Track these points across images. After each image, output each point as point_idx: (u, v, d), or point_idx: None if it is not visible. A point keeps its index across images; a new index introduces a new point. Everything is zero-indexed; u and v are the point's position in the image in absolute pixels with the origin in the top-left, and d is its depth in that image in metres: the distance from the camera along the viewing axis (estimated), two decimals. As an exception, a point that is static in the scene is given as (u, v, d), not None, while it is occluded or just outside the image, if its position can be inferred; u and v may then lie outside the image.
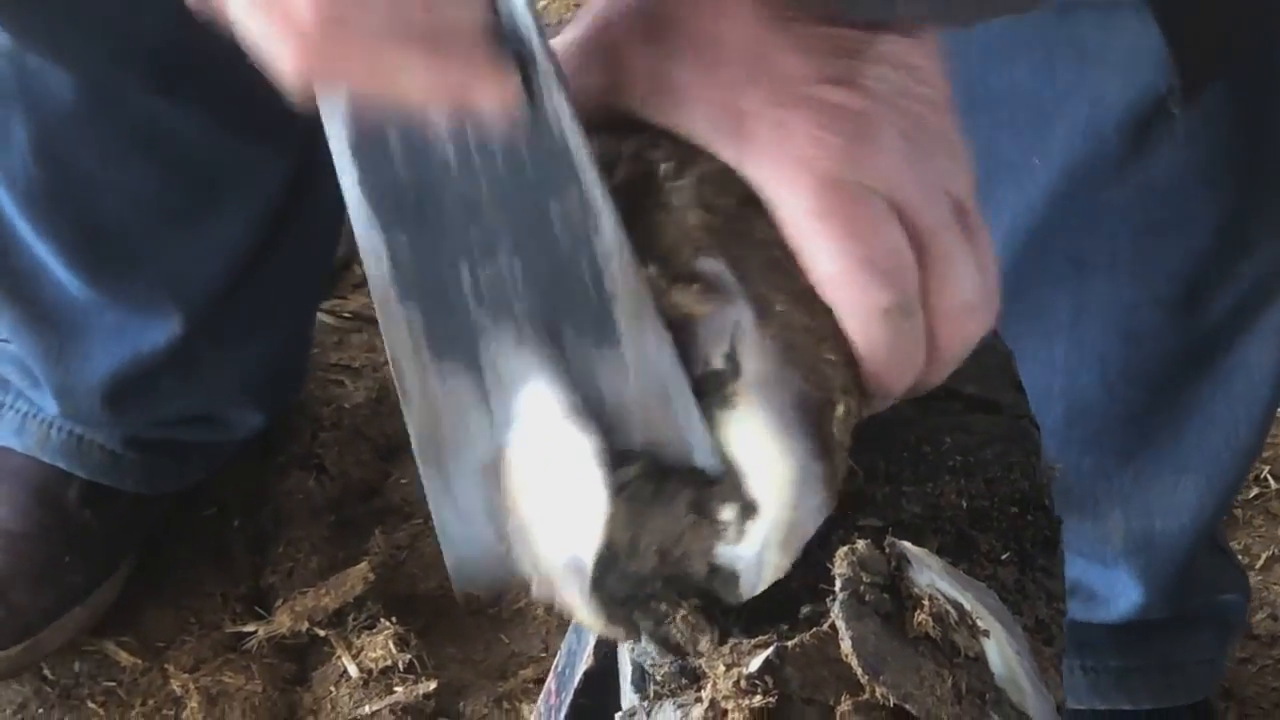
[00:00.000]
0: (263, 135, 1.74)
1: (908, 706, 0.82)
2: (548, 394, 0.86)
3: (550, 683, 1.15)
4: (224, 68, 1.72)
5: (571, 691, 1.10)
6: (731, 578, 0.89)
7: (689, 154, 0.89)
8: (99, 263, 1.78)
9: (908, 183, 0.88)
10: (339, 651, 1.92)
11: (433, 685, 1.89)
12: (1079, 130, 1.38)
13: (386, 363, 2.34)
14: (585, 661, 1.08)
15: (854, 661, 0.84)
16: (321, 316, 2.18)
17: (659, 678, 0.93)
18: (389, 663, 1.89)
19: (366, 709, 1.88)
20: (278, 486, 2.07)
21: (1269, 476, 2.06)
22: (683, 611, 0.89)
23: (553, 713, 1.13)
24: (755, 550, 0.89)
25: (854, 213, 0.87)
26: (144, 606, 1.98)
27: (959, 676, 0.85)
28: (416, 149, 0.85)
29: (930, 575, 0.89)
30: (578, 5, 2.58)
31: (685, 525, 0.88)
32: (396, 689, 1.89)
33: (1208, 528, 1.64)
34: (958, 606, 0.88)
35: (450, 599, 1.99)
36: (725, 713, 0.84)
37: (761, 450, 0.88)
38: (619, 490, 0.87)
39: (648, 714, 0.91)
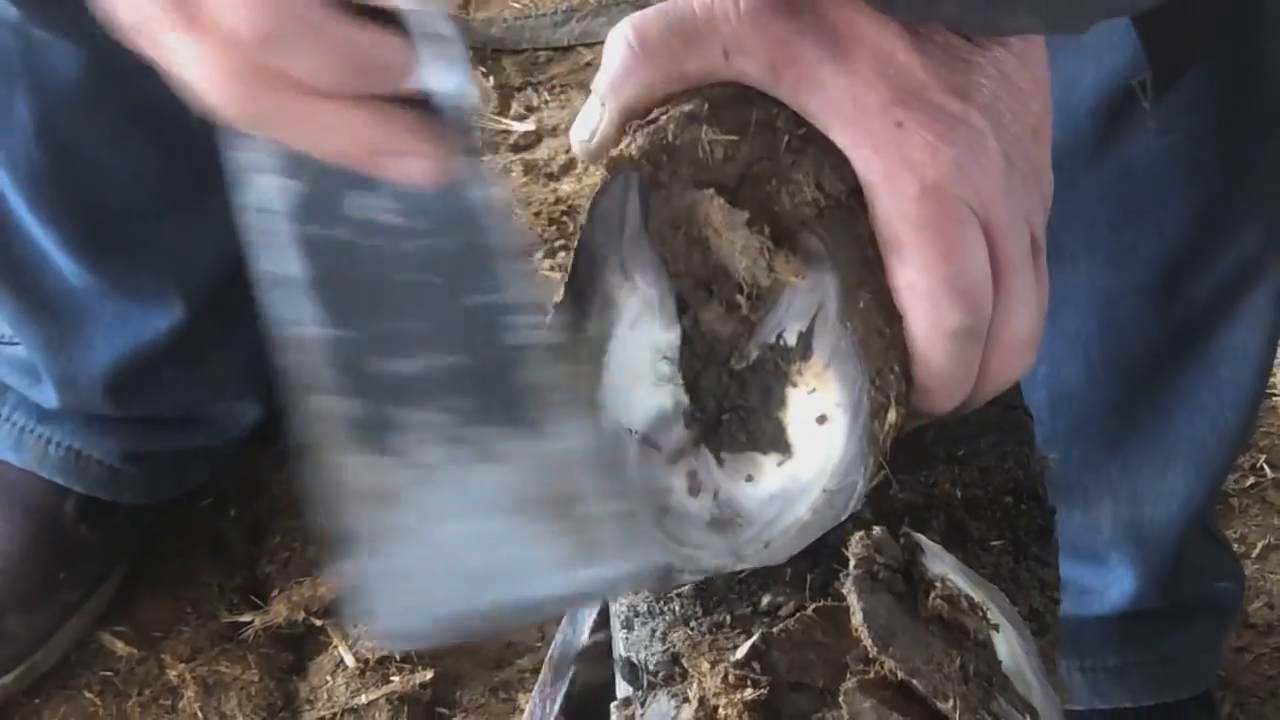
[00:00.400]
0: None
1: (914, 682, 0.82)
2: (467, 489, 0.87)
3: (544, 673, 1.15)
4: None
5: (566, 681, 1.10)
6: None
7: (810, 132, 0.90)
8: (101, 249, 1.77)
9: (1001, 208, 0.89)
10: (335, 641, 1.92)
11: (429, 675, 1.89)
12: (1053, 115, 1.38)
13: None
14: (579, 651, 1.08)
15: (864, 634, 0.84)
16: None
17: (650, 668, 0.93)
18: (385, 652, 1.89)
19: (363, 698, 1.88)
20: (274, 476, 2.07)
21: (1265, 465, 2.06)
22: None
23: (547, 702, 1.13)
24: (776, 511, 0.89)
25: (950, 230, 0.87)
26: (140, 596, 1.98)
27: (967, 658, 0.85)
28: (342, 216, 0.86)
29: (943, 567, 0.89)
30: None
31: None
32: (393, 678, 1.89)
33: (1197, 514, 1.64)
34: (969, 597, 0.88)
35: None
36: (716, 709, 0.84)
37: (816, 431, 0.88)
38: None
39: (642, 704, 0.91)
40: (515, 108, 2.45)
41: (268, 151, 0.86)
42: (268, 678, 1.91)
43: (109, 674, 1.93)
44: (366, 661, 1.89)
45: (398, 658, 1.89)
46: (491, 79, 2.48)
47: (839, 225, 0.89)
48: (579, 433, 0.86)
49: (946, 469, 1.02)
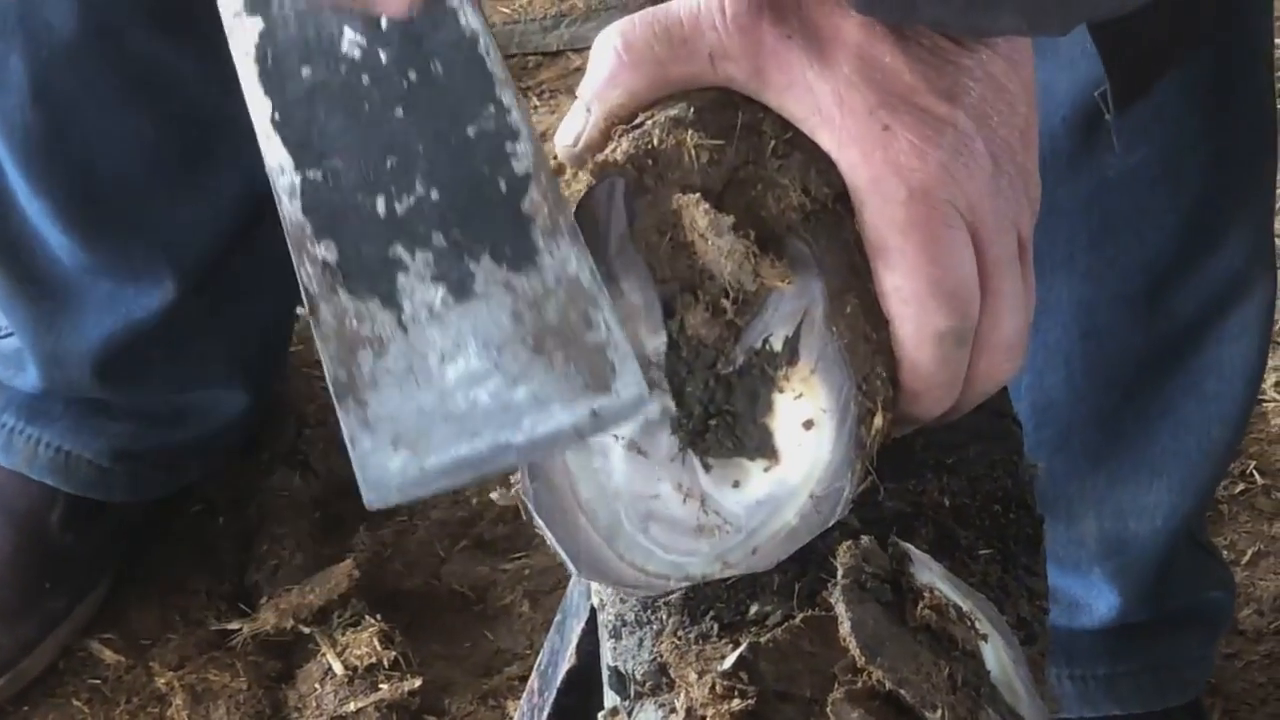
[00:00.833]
0: None
1: (902, 691, 0.82)
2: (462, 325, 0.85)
3: (533, 680, 1.15)
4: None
5: (554, 690, 1.10)
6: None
7: (796, 136, 0.90)
8: (93, 223, 1.77)
9: (988, 211, 0.89)
10: (324, 649, 1.92)
11: (418, 682, 1.88)
12: None
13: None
14: (568, 660, 1.08)
15: (852, 644, 0.84)
16: (304, 313, 2.17)
17: (638, 677, 0.93)
18: (374, 660, 1.89)
19: (351, 706, 1.87)
20: (262, 484, 2.07)
21: (1255, 472, 2.06)
22: None
23: (536, 711, 1.13)
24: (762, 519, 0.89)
25: (938, 233, 0.87)
26: (128, 604, 1.98)
27: (955, 668, 0.85)
28: (320, 51, 0.84)
29: (931, 577, 0.89)
30: (563, 0, 2.58)
31: None
32: (381, 686, 1.88)
33: (1183, 528, 1.63)
34: (957, 607, 0.88)
35: (435, 596, 1.99)
36: (703, 719, 0.84)
37: (803, 436, 0.88)
38: None
39: (629, 714, 0.91)
40: (504, 114, 2.44)
41: None
42: (256, 685, 1.91)
43: (97, 682, 1.92)
44: (355, 669, 1.89)
45: (386, 665, 1.88)
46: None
47: (825, 230, 0.89)
48: (572, 260, 0.85)
49: (935, 477, 1.02)
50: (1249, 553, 1.99)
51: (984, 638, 0.88)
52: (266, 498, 2.05)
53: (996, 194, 0.89)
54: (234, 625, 1.95)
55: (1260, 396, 2.06)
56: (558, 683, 1.09)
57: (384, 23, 0.83)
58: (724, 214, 0.87)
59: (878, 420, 0.88)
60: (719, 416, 0.89)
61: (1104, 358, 1.52)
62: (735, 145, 0.89)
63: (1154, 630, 1.70)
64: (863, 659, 0.84)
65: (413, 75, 0.84)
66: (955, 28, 0.88)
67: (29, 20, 1.64)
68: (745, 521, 0.89)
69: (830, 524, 0.89)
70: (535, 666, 1.16)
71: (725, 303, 0.88)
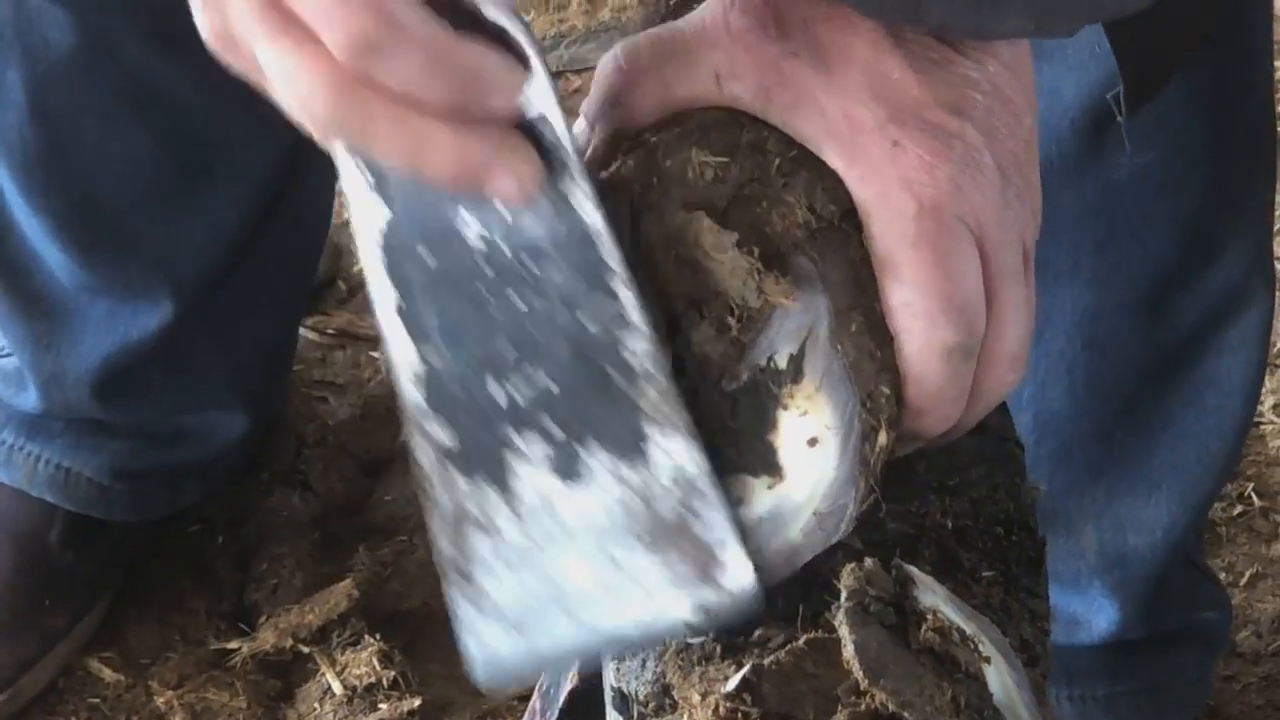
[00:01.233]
0: (257, 103, 1.73)
1: (905, 714, 0.82)
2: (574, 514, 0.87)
3: (535, 701, 1.15)
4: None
5: (556, 711, 1.10)
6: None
7: (802, 154, 0.90)
8: (91, 241, 1.77)
9: (995, 223, 0.89)
10: (323, 668, 1.92)
11: (417, 702, 1.88)
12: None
13: (370, 379, 2.33)
14: (570, 681, 1.08)
15: (855, 666, 0.84)
16: (305, 333, 2.17)
17: (641, 698, 0.93)
18: (373, 679, 1.89)
19: (350, 725, 1.88)
20: (262, 503, 2.07)
21: (1253, 494, 2.06)
22: None
23: (537, 731, 1.13)
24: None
25: (947, 248, 0.87)
26: (128, 623, 1.98)
27: (958, 691, 0.85)
28: (444, 241, 0.84)
29: (935, 599, 0.89)
30: (562, 21, 2.58)
31: None
32: (381, 706, 1.88)
33: (1180, 542, 1.63)
34: (960, 629, 0.88)
35: (435, 616, 1.98)
36: (705, 741, 0.84)
37: (808, 453, 0.88)
38: None
39: (633, 735, 0.91)
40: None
41: (365, 170, 0.84)
42: (255, 705, 1.91)
43: (96, 701, 1.92)
44: (354, 689, 1.89)
45: (385, 684, 1.88)
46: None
47: (830, 247, 0.89)
48: (683, 453, 0.86)
49: (938, 499, 1.02)
50: (1247, 574, 1.99)
51: (987, 660, 0.88)
52: (266, 517, 2.05)
53: (1004, 206, 0.89)
54: (233, 644, 1.95)
55: (1258, 419, 2.07)
56: (560, 703, 1.09)
57: (501, 208, 0.84)
58: (728, 230, 0.88)
59: (882, 437, 0.88)
60: (723, 434, 0.89)
61: (1106, 368, 1.52)
62: (740, 163, 0.89)
63: (1151, 649, 1.70)
64: (866, 681, 0.84)
65: (530, 264, 0.84)
66: (961, 29, 0.88)
67: (26, 35, 1.64)
68: (749, 539, 0.89)
69: (834, 541, 0.89)
70: (537, 688, 1.16)
71: (730, 320, 0.88)
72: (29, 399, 1.87)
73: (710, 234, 0.88)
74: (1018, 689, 0.88)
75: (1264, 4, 1.46)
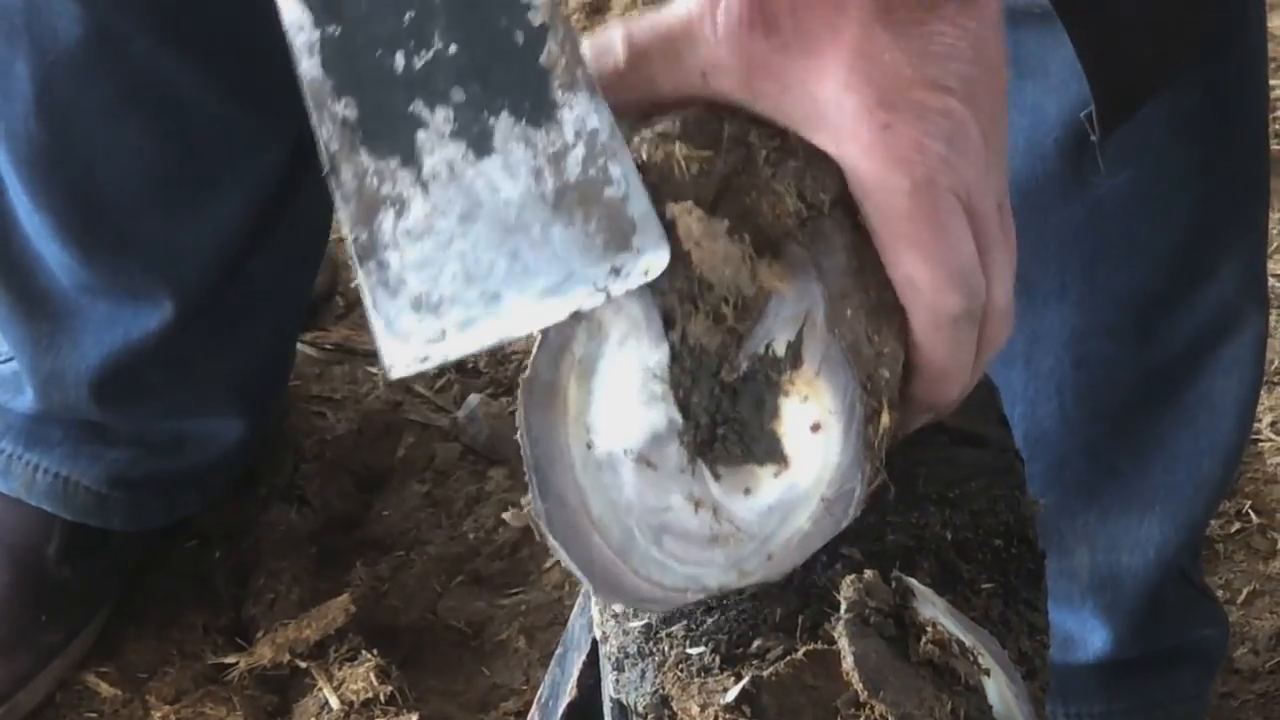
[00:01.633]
0: (261, 104, 1.74)
1: (905, 727, 0.83)
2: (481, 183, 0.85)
3: (533, 713, 1.15)
4: (227, 24, 1.71)
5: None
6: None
7: (789, 142, 0.90)
8: (93, 239, 1.77)
9: (980, 191, 0.90)
10: (320, 683, 1.91)
11: (414, 717, 1.88)
12: (1018, 147, 1.38)
13: (369, 395, 2.32)
14: (569, 694, 1.08)
15: (855, 678, 0.84)
16: (303, 348, 2.17)
17: (640, 710, 0.93)
18: (370, 694, 1.89)
19: (347, 741, 1.87)
20: (259, 518, 2.07)
21: (1250, 511, 2.06)
22: None
23: (536, 744, 1.13)
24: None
25: (944, 220, 0.88)
26: (125, 637, 1.98)
27: (958, 703, 0.85)
28: None
29: (935, 611, 0.89)
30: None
31: None
32: (377, 720, 1.88)
33: (1174, 561, 1.63)
34: (960, 642, 0.88)
35: (432, 631, 1.99)
36: (703, 752, 0.85)
37: (811, 439, 0.88)
38: None
39: (631, 746, 0.91)
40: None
41: None
42: (252, 720, 1.91)
43: (93, 715, 1.92)
44: (351, 704, 1.89)
45: (382, 699, 1.88)
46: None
47: (823, 234, 0.90)
48: (591, 114, 0.85)
49: (937, 511, 1.02)
50: (1244, 592, 1.99)
51: (986, 673, 0.88)
52: (263, 532, 2.05)
53: (986, 172, 0.90)
54: (230, 659, 1.95)
55: (1256, 436, 2.07)
56: (559, 716, 1.09)
57: None
58: (717, 219, 0.88)
59: (885, 419, 0.89)
60: (726, 424, 0.89)
61: (1096, 388, 1.52)
62: (724, 156, 0.90)
63: (1148, 667, 1.70)
64: (865, 693, 0.84)
65: None
66: None
67: (35, 25, 1.64)
68: (759, 528, 0.89)
69: (843, 526, 0.89)
70: (536, 700, 1.16)
71: (726, 309, 0.88)
72: (25, 400, 1.87)
73: (700, 224, 0.88)
74: (1017, 701, 0.88)
75: (1258, 26, 1.46)
